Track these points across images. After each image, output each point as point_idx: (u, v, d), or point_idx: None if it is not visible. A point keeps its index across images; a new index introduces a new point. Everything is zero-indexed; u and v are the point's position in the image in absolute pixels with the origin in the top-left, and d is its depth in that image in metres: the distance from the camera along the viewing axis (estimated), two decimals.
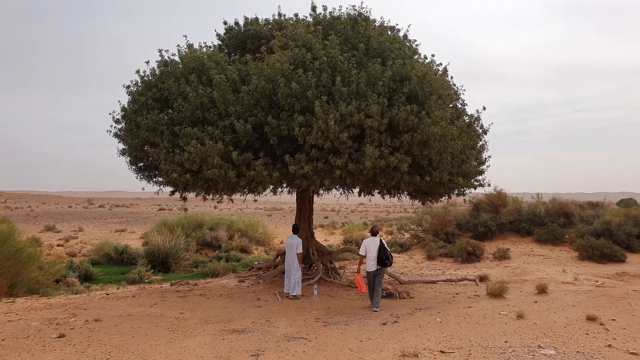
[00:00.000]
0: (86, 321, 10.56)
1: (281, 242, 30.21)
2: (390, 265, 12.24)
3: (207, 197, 14.34)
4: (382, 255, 11.90)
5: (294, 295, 13.38)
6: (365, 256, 12.05)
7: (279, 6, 16.14)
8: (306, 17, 14.97)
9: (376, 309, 11.78)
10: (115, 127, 14.40)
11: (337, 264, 17.98)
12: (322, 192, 16.27)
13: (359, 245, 27.35)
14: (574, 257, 20.28)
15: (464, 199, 20.15)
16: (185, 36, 14.39)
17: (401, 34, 14.89)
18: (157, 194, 14.68)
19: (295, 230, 14.27)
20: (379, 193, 15.55)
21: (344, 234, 33.52)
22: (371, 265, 11.98)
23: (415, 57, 14.34)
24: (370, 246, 12.01)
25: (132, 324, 10.32)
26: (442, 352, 8.32)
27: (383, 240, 12.12)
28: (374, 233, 12.34)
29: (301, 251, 13.70)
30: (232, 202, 15.44)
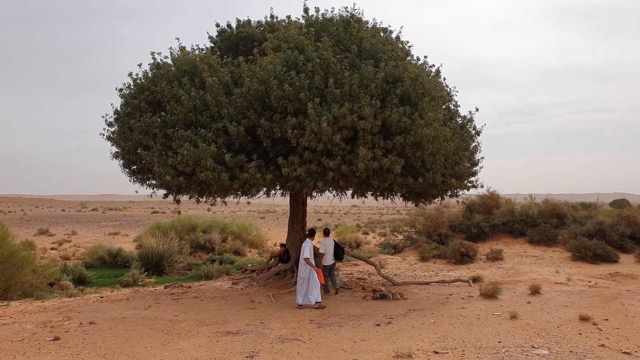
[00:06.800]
0: (81, 324, 10.54)
1: (274, 245, 30.17)
2: (342, 260, 14.73)
3: (201, 199, 14.34)
4: (339, 251, 14.13)
5: (319, 303, 12.40)
6: (324, 253, 13.77)
7: (272, 8, 16.18)
8: (298, 19, 14.98)
9: (328, 294, 13.58)
10: (108, 130, 14.42)
11: None
12: (315, 194, 16.29)
13: (352, 247, 27.52)
14: (567, 257, 20.34)
15: (457, 201, 20.18)
16: (178, 39, 14.39)
17: (394, 35, 14.94)
18: (151, 196, 14.68)
19: (311, 233, 13.46)
20: (372, 195, 15.57)
21: (337, 236, 33.50)
22: (329, 260, 13.88)
23: (408, 58, 14.39)
24: (328, 245, 13.88)
25: (127, 327, 10.31)
26: (435, 352, 8.35)
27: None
28: (327, 234, 14.22)
29: (307, 256, 12.65)
30: (226, 204, 15.46)
